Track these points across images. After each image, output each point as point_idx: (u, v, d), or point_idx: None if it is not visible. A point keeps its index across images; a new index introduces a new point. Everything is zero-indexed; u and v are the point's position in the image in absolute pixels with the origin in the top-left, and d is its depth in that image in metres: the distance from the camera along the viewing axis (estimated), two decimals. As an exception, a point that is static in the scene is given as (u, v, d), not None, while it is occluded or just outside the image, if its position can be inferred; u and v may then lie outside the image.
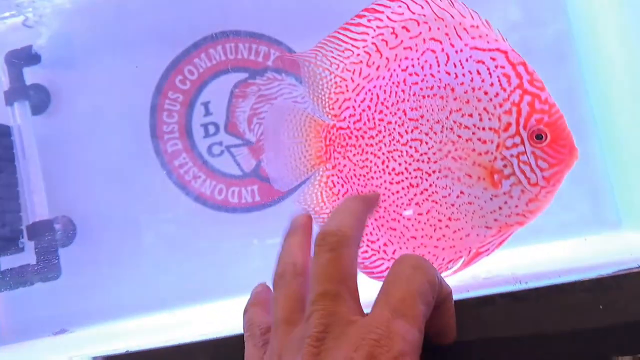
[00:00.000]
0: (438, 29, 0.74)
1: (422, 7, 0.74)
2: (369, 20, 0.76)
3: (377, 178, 0.78)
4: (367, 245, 0.79)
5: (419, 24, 0.74)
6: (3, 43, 1.29)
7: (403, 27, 0.75)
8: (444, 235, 0.74)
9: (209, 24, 1.27)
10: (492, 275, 0.76)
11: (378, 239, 0.79)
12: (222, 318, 0.97)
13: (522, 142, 0.71)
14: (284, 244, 0.60)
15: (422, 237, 0.75)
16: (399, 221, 0.77)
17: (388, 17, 0.75)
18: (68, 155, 1.30)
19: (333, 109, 0.81)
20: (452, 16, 0.73)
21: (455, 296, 0.58)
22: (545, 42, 1.12)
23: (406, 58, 0.75)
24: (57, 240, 1.24)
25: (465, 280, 0.74)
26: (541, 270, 0.71)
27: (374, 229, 0.79)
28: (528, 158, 0.71)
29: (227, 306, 1.10)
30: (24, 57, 1.27)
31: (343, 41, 0.78)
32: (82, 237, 1.27)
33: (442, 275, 0.60)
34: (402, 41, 0.75)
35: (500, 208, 0.72)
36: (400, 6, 0.74)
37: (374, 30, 0.76)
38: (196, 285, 1.23)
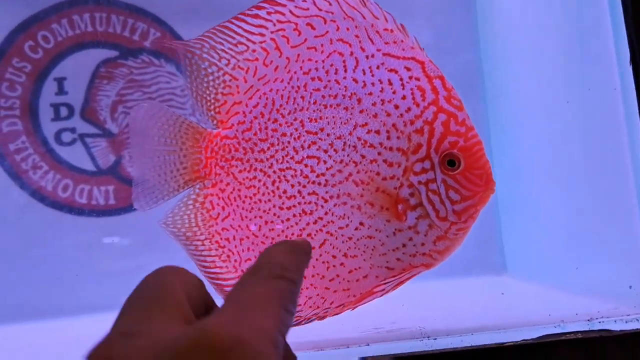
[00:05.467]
0: (347, 29, 0.66)
1: (330, 4, 0.66)
2: (268, 13, 0.67)
3: (265, 202, 0.68)
4: None
5: (325, 21, 0.66)
6: None
7: (307, 24, 0.67)
8: (337, 276, 0.67)
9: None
10: (398, 328, 0.68)
11: None
12: (52, 343, 0.83)
13: (433, 168, 0.65)
14: None
15: (312, 276, 0.68)
16: None
17: (291, 12, 0.66)
18: None
19: (219, 112, 0.70)
20: (363, 16, 0.65)
21: (356, 350, 0.50)
22: (453, 70, 1.09)
23: (309, 60, 0.67)
24: None
25: (367, 330, 0.66)
26: (453, 326, 0.64)
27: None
28: (438, 187, 0.65)
29: (61, 329, 0.95)
30: None
31: (237, 33, 0.68)
32: None
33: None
34: (305, 40, 0.67)
35: (404, 245, 0.65)
36: (305, 0, 0.66)
37: (274, 25, 0.67)
38: (23, 300, 1.06)
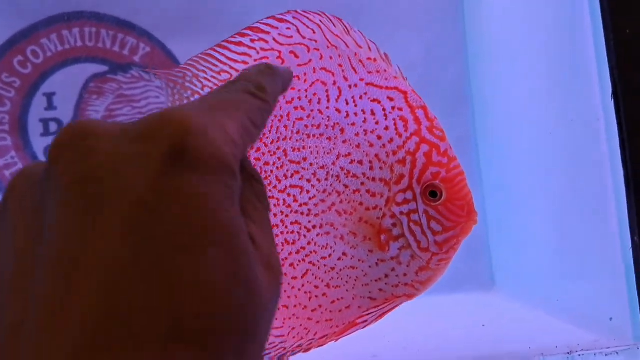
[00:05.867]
0: (331, 58, 0.66)
1: (314, 32, 0.65)
2: (252, 41, 0.66)
3: None
4: None
5: (309, 50, 0.66)
6: None
7: (291, 52, 0.66)
8: (320, 306, 0.66)
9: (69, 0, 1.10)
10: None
11: None
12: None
13: (415, 199, 0.65)
14: None
15: (294, 306, 0.67)
16: None
17: (274, 39, 0.66)
18: None
19: None
20: (347, 45, 0.65)
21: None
22: (442, 84, 1.08)
23: (292, 89, 0.67)
24: None
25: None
26: (435, 357, 0.64)
27: None
28: (420, 218, 0.65)
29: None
30: None
31: (220, 61, 0.67)
32: None
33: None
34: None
35: (386, 276, 0.65)
36: (289, 28, 0.65)
37: (257, 53, 0.66)
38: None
